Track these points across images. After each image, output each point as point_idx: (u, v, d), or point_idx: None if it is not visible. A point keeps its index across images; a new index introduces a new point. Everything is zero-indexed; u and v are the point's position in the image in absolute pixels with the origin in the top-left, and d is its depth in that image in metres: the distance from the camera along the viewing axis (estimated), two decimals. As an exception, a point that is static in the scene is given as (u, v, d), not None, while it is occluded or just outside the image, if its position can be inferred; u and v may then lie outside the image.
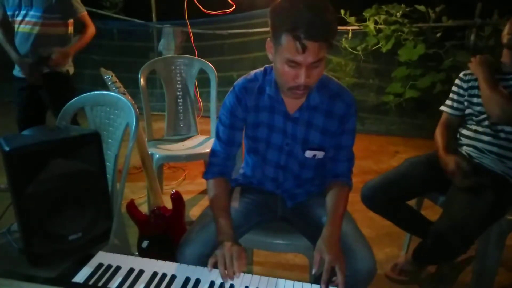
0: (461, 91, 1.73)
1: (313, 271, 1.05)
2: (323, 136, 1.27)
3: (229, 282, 0.99)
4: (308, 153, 1.30)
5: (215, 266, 1.02)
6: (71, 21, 2.54)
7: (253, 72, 1.31)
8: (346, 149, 1.30)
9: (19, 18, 2.42)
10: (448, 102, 1.79)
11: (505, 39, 1.58)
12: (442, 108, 1.80)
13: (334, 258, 1.04)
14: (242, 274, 1.01)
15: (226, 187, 1.32)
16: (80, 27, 2.60)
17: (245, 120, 1.32)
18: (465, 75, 1.73)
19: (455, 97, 1.76)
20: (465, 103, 1.71)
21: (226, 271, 1.00)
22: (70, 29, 2.56)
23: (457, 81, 1.77)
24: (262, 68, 1.30)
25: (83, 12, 2.58)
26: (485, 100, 1.58)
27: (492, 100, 1.53)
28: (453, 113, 1.76)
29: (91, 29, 2.63)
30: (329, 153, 1.31)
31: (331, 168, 1.33)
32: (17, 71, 2.54)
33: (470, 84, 1.70)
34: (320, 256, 1.06)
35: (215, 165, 1.34)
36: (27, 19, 2.41)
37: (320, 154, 1.30)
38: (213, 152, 1.36)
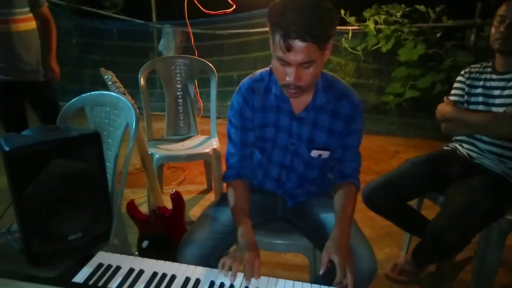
0: (462, 85, 1.73)
1: (321, 272, 1.05)
2: (329, 136, 1.27)
3: (230, 282, 0.99)
4: (314, 153, 1.29)
5: (226, 267, 1.02)
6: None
7: (258, 72, 1.31)
8: (352, 149, 1.30)
9: None
10: (452, 92, 1.77)
11: (496, 44, 1.56)
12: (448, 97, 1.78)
13: (343, 258, 1.04)
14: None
15: (245, 189, 1.30)
16: (39, 22, 2.40)
17: (253, 120, 1.31)
18: (466, 72, 1.73)
19: (459, 92, 1.75)
20: (465, 97, 1.71)
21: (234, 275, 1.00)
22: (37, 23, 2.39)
23: (458, 78, 1.76)
24: (267, 68, 1.29)
25: (45, 4, 2.42)
26: (489, 129, 1.57)
27: (494, 124, 1.54)
28: (459, 100, 1.73)
29: (53, 24, 2.46)
30: (336, 153, 1.31)
31: (339, 169, 1.32)
32: None
33: (470, 82, 1.70)
34: (329, 257, 1.06)
35: (232, 168, 1.34)
36: None
37: (325, 154, 1.30)
38: (228, 155, 1.36)
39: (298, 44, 1.03)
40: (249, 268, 1.01)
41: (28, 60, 2.37)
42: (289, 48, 1.04)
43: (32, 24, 2.36)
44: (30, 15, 2.34)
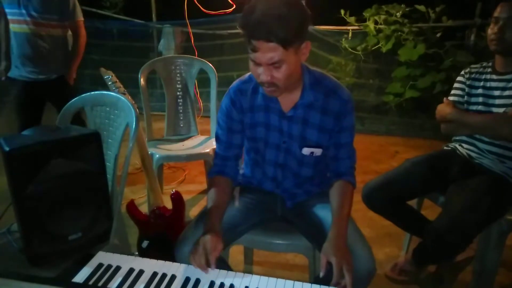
0: (462, 86, 1.73)
1: (321, 275, 1.05)
2: (321, 133, 1.27)
3: (205, 275, 1.01)
4: (305, 151, 1.30)
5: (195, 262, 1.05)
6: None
7: (247, 74, 1.32)
8: (346, 146, 1.30)
9: (16, 17, 2.40)
10: (452, 92, 1.77)
11: (492, 45, 1.58)
12: (448, 98, 1.78)
13: (341, 259, 1.04)
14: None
15: (223, 185, 1.34)
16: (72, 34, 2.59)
17: (242, 122, 1.33)
18: (466, 73, 1.74)
19: (459, 92, 1.75)
20: (465, 97, 1.71)
21: (197, 262, 1.03)
22: (67, 31, 2.55)
23: (459, 78, 1.76)
24: None
25: (80, 18, 2.56)
26: (488, 130, 1.58)
27: (494, 126, 1.55)
28: (459, 100, 1.73)
29: (83, 38, 2.61)
30: (329, 151, 1.31)
31: (333, 167, 1.33)
32: (12, 73, 2.54)
33: (470, 82, 1.70)
34: (327, 259, 1.06)
35: (215, 166, 1.39)
36: (24, 18, 2.39)
37: (317, 152, 1.30)
38: (215, 153, 1.41)
39: (263, 45, 1.05)
40: (211, 256, 1.04)
41: (45, 63, 2.50)
42: (254, 49, 1.06)
43: (57, 31, 2.49)
44: (59, 23, 2.47)
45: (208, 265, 1.03)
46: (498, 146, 1.59)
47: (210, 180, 1.37)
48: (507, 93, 1.56)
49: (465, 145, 1.72)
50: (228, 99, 1.32)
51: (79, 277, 0.98)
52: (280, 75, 1.11)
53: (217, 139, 1.38)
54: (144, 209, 2.20)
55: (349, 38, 4.47)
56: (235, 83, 1.33)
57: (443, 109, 1.71)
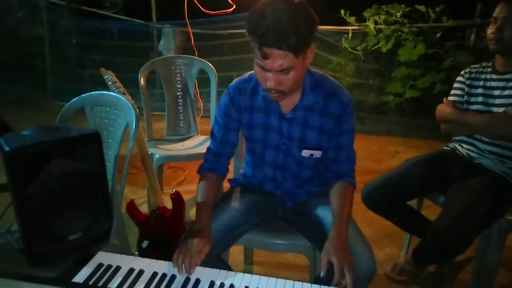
0: (462, 86, 1.73)
1: (322, 275, 1.05)
2: (320, 135, 1.27)
3: (185, 274, 1.01)
4: (305, 153, 1.30)
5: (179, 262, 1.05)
6: None
7: (248, 73, 1.32)
8: (346, 148, 1.30)
9: None
10: (452, 92, 1.77)
11: (491, 44, 1.58)
12: (447, 98, 1.78)
13: (341, 259, 1.04)
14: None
15: (214, 182, 1.35)
16: None
17: (240, 121, 1.33)
18: (465, 72, 1.74)
19: (458, 92, 1.75)
20: (465, 97, 1.71)
21: (179, 262, 1.03)
22: None
23: (458, 78, 1.76)
24: None
25: None
26: (488, 130, 1.58)
27: (493, 125, 1.55)
28: (459, 100, 1.73)
29: None
30: (329, 153, 1.31)
31: (334, 169, 1.33)
32: None
33: (470, 82, 1.70)
34: (328, 259, 1.06)
35: (207, 162, 1.39)
36: None
37: (317, 154, 1.30)
38: (207, 149, 1.41)
39: (274, 52, 1.04)
40: (194, 258, 1.03)
41: None
42: (265, 56, 1.05)
43: None
44: None
45: (191, 266, 1.02)
46: (498, 146, 1.59)
47: (201, 175, 1.37)
48: (507, 92, 1.56)
49: (465, 145, 1.72)
50: (227, 97, 1.32)
51: (79, 277, 0.98)
52: (288, 81, 1.11)
53: (212, 135, 1.38)
54: (144, 209, 2.20)
55: (349, 38, 4.47)
56: (234, 81, 1.33)
57: (443, 109, 1.71)
